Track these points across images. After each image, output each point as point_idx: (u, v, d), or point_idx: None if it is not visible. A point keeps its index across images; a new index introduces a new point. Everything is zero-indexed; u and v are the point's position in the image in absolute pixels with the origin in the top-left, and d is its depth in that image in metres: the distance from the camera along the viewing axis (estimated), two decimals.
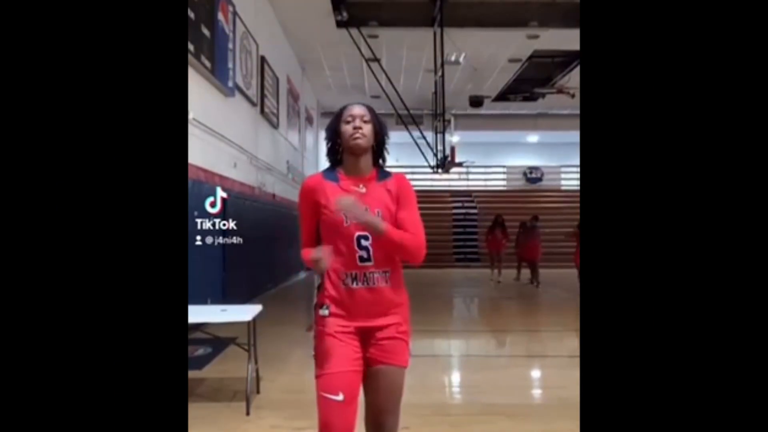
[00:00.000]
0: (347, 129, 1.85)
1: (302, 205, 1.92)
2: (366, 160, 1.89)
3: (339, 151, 1.91)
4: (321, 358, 1.81)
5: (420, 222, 1.89)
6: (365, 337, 1.85)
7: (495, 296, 9.90)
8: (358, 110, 1.88)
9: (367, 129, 1.85)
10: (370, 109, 1.91)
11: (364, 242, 1.82)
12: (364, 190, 1.86)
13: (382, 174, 1.91)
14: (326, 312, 1.84)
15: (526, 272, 11.42)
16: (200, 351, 4.97)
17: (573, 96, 14.06)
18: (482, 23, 10.74)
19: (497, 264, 11.78)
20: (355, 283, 1.82)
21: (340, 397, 1.73)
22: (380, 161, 1.94)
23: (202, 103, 6.40)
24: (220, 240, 4.02)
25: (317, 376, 1.79)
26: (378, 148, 1.92)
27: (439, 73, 11.75)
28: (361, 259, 1.82)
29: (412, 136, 12.43)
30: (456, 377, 4.92)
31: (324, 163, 2.03)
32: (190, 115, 5.73)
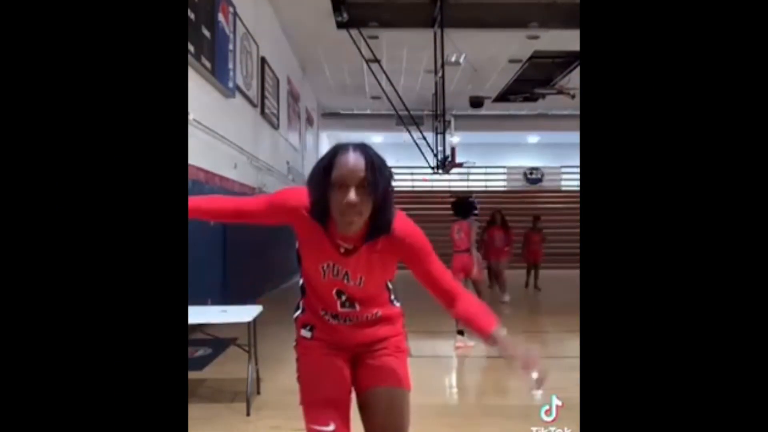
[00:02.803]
0: (337, 200, 1.36)
1: (278, 202, 1.53)
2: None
3: (327, 210, 1.43)
4: (306, 383, 1.62)
5: (445, 270, 1.58)
6: (355, 356, 1.63)
7: (495, 297, 9.88)
8: (353, 169, 1.35)
9: (365, 203, 1.37)
10: (369, 161, 1.37)
11: (344, 296, 1.58)
12: (350, 248, 1.49)
13: (376, 227, 1.45)
14: (308, 334, 1.63)
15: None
16: (200, 352, 4.96)
17: (573, 97, 14.04)
18: (482, 24, 10.73)
19: (497, 279, 9.12)
20: (336, 321, 1.60)
21: (331, 428, 1.54)
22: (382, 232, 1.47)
23: (203, 103, 6.40)
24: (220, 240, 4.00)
25: (303, 404, 1.60)
26: (379, 214, 1.42)
27: (440, 74, 11.74)
28: (342, 305, 1.57)
29: (413, 137, 12.43)
30: (456, 378, 4.92)
31: None
32: (191, 116, 5.72)
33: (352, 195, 1.35)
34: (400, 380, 1.62)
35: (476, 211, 6.50)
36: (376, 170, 1.38)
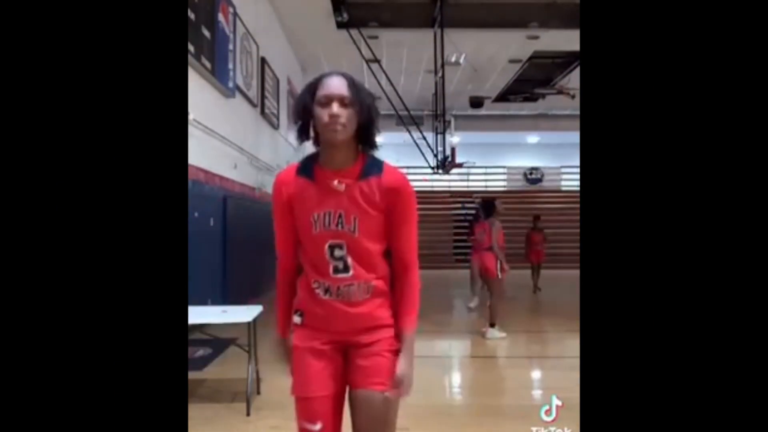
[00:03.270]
0: (321, 115, 1.44)
1: (276, 206, 1.58)
2: (347, 150, 1.50)
3: (312, 132, 1.51)
4: (296, 377, 1.61)
5: (416, 241, 1.58)
6: (345, 353, 1.59)
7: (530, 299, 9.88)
8: (336, 87, 1.45)
9: (347, 115, 1.44)
10: (351, 84, 1.48)
11: (338, 252, 1.52)
12: (342, 187, 1.50)
13: (370, 166, 1.52)
14: (298, 320, 1.60)
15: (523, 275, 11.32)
16: (200, 352, 4.96)
17: (573, 97, 14.05)
18: (482, 24, 10.74)
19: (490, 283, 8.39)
20: (328, 295, 1.54)
21: (318, 427, 1.54)
22: (368, 147, 1.54)
23: (203, 103, 6.40)
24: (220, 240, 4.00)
25: (294, 395, 1.61)
26: (364, 132, 1.50)
27: (440, 74, 11.75)
28: (336, 270, 1.52)
29: (413, 137, 12.43)
30: (456, 378, 4.92)
31: None
32: (191, 116, 5.73)
33: (335, 107, 1.44)
34: (389, 384, 1.57)
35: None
36: (357, 88, 1.49)
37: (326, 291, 1.54)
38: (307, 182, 1.53)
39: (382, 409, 1.55)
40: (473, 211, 7.35)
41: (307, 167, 1.54)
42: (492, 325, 5.97)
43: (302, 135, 1.53)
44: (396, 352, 1.59)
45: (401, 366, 1.55)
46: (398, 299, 1.59)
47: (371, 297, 1.55)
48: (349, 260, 1.52)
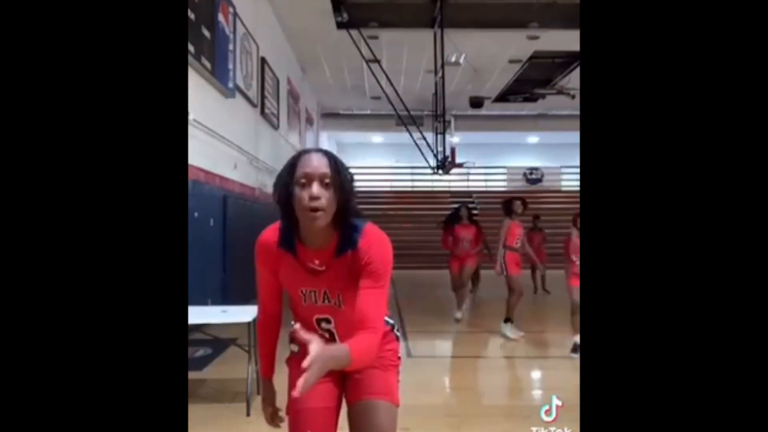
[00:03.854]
0: (302, 197, 1.39)
1: (259, 264, 1.61)
2: (325, 232, 1.46)
3: (292, 214, 1.46)
4: (291, 389, 1.59)
5: (384, 311, 1.49)
6: (343, 373, 1.59)
7: (494, 297, 9.88)
8: (316, 167, 1.41)
9: (326, 199, 1.39)
10: (331, 162, 1.43)
11: (325, 325, 1.57)
12: (323, 268, 1.50)
13: (345, 241, 1.48)
14: (296, 349, 1.61)
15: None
16: (200, 352, 4.96)
17: (573, 97, 14.05)
18: (482, 24, 10.74)
19: (465, 290, 7.55)
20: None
21: None
22: (345, 226, 1.48)
23: (203, 104, 6.40)
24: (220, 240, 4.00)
25: (288, 413, 1.61)
26: (341, 213, 1.45)
27: (440, 74, 11.75)
28: (324, 339, 1.49)
29: (413, 137, 12.43)
30: (455, 378, 4.92)
31: None
32: (191, 116, 5.73)
33: (315, 188, 1.39)
34: (385, 393, 1.57)
35: (476, 211, 6.83)
36: (339, 168, 1.43)
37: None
38: (290, 258, 1.52)
39: (384, 420, 1.55)
40: (449, 212, 7.28)
41: (289, 241, 1.51)
42: (507, 320, 5.93)
43: (286, 218, 1.48)
44: (394, 367, 1.63)
45: (312, 348, 1.28)
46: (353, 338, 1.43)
47: None
48: (336, 333, 1.57)
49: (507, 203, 6.35)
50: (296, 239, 1.51)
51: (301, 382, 1.19)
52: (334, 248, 1.48)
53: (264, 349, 1.73)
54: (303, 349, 1.41)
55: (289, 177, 1.43)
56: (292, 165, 1.44)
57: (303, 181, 1.40)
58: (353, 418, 1.58)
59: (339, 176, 1.42)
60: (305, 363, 1.21)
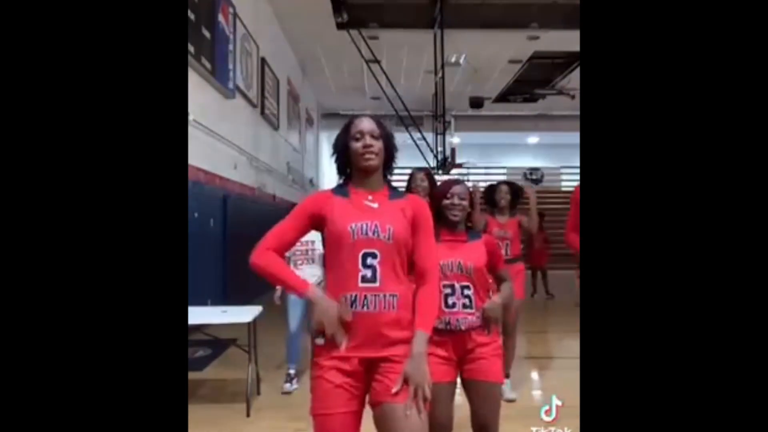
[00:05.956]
0: (357, 147, 1.72)
1: (300, 209, 1.76)
2: (377, 177, 1.76)
3: (348, 167, 1.78)
4: (315, 394, 1.64)
5: (436, 254, 1.78)
6: (368, 369, 1.63)
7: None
8: (367, 125, 1.74)
9: (378, 146, 1.72)
10: (380, 123, 1.77)
11: (370, 260, 1.65)
12: (376, 205, 1.71)
13: (395, 192, 1.78)
14: (321, 341, 1.64)
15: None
16: (200, 352, 4.96)
17: (573, 97, 14.05)
18: (482, 25, 10.74)
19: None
20: (354, 307, 1.62)
21: None
22: (388, 177, 1.81)
23: (203, 104, 6.40)
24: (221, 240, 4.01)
25: (313, 415, 1.65)
26: (387, 164, 1.79)
27: (440, 75, 11.75)
28: (364, 279, 1.63)
29: (413, 138, 12.42)
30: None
31: (324, 165, 1.96)
32: (191, 117, 5.73)
33: (368, 138, 1.72)
34: (407, 396, 1.59)
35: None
36: (383, 126, 1.78)
37: (352, 303, 1.62)
38: (344, 199, 1.73)
39: (406, 422, 1.57)
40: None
41: (342, 189, 1.77)
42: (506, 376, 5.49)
43: (341, 170, 1.80)
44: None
45: (407, 367, 1.59)
46: (417, 305, 1.69)
47: (396, 309, 1.64)
48: (379, 270, 1.64)
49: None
50: (350, 187, 1.76)
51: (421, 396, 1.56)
52: (387, 194, 1.76)
53: (285, 271, 1.78)
54: (329, 339, 1.62)
55: (345, 136, 1.76)
56: (347, 126, 1.78)
57: (358, 136, 1.73)
58: (383, 421, 1.60)
59: (384, 131, 1.77)
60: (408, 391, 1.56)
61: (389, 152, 1.78)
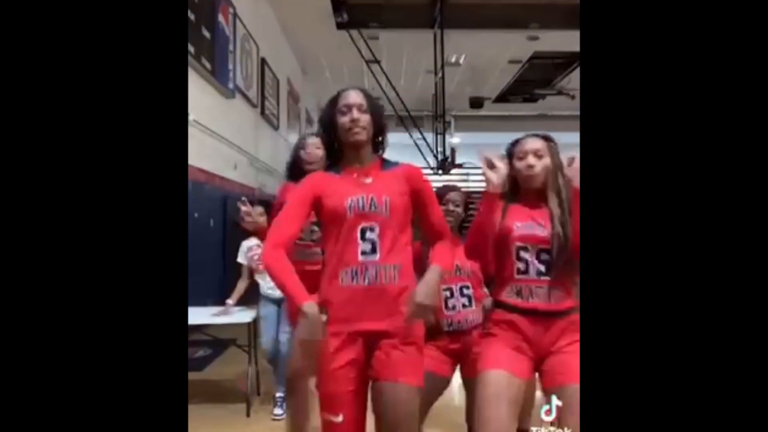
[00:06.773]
0: (344, 121, 1.68)
1: (299, 195, 1.69)
2: (367, 151, 1.73)
3: (335, 143, 1.74)
4: (321, 373, 1.65)
5: (443, 218, 1.81)
6: (368, 343, 1.63)
7: None
8: (354, 98, 1.70)
9: (365, 120, 1.69)
10: (367, 96, 1.73)
11: (369, 234, 1.63)
12: (369, 180, 1.69)
13: (387, 163, 1.75)
14: (324, 317, 1.62)
15: None
16: (200, 352, 4.97)
17: (573, 97, 14.04)
18: (482, 25, 10.73)
19: None
20: (354, 281, 1.60)
21: (340, 419, 1.59)
22: (381, 151, 1.78)
23: (203, 104, 6.40)
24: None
25: (318, 390, 1.66)
26: (378, 137, 1.75)
27: (440, 75, 11.74)
28: (363, 252, 1.62)
29: (412, 138, 12.42)
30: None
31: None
32: (190, 117, 5.73)
33: (355, 112, 1.68)
34: (413, 377, 1.62)
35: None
36: (372, 100, 1.74)
37: (353, 277, 1.61)
38: (336, 176, 1.71)
39: (406, 403, 1.59)
40: None
41: (335, 167, 1.74)
42: None
43: (329, 147, 1.75)
44: (413, 343, 1.64)
45: (417, 289, 1.60)
46: (432, 252, 1.74)
47: (397, 280, 1.63)
48: (378, 243, 1.63)
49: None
50: (341, 165, 1.74)
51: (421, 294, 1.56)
52: (379, 165, 1.74)
53: (288, 276, 1.59)
54: (331, 314, 1.61)
55: (332, 109, 1.72)
56: (334, 99, 1.74)
57: (344, 109, 1.69)
58: (381, 399, 1.61)
59: (371, 103, 1.73)
60: (418, 298, 1.56)
61: (378, 126, 1.73)
